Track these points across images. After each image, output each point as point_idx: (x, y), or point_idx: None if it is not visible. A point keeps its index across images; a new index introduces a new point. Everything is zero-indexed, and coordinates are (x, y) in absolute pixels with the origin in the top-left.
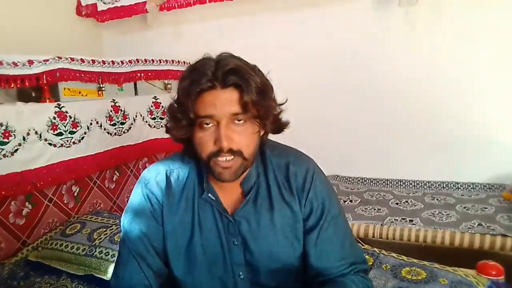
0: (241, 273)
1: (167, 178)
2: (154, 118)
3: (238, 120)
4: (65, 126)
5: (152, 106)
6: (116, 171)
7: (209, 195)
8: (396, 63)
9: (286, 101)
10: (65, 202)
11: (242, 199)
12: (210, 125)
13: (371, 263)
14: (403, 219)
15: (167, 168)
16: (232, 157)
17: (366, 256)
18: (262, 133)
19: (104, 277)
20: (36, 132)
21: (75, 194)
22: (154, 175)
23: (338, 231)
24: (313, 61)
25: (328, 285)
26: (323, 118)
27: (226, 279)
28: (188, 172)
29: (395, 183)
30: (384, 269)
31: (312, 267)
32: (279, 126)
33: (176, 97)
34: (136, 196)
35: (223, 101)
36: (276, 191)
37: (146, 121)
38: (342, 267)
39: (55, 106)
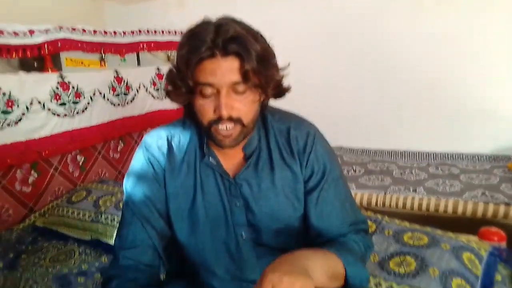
0: (243, 233)
1: (169, 142)
2: (157, 90)
3: (239, 89)
4: (68, 96)
5: (155, 77)
6: (120, 141)
7: (210, 159)
8: (402, 32)
9: (288, 65)
10: (71, 171)
11: (244, 163)
12: (210, 92)
13: (373, 229)
14: (407, 188)
15: (168, 133)
16: (232, 125)
17: (369, 222)
18: (262, 99)
19: (110, 242)
20: (39, 102)
21: (80, 164)
22: (156, 140)
23: (339, 193)
24: (318, 30)
25: (329, 244)
26: (327, 89)
27: (228, 240)
28: (189, 136)
29: (399, 154)
30: (386, 234)
31: (313, 227)
32: (281, 92)
33: (175, 63)
34: (138, 160)
35: (223, 70)
36: (277, 154)
37: (150, 92)
38: (342, 227)
39: (58, 76)
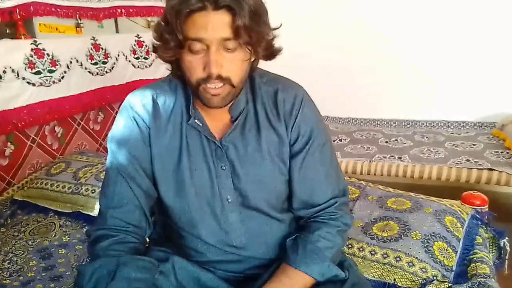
0: (229, 197)
1: (154, 101)
2: (137, 58)
3: (229, 46)
4: (43, 65)
5: (135, 45)
6: (100, 112)
7: (196, 121)
8: (389, 3)
9: (280, 26)
10: (49, 143)
11: (230, 126)
12: (199, 48)
13: (357, 195)
14: (392, 156)
15: (154, 92)
16: (221, 84)
17: (353, 188)
18: (252, 59)
19: (91, 214)
20: (12, 70)
21: (59, 136)
22: (140, 98)
23: (324, 159)
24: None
25: (301, 249)
26: (313, 59)
27: (214, 203)
28: (175, 97)
29: (385, 123)
30: (370, 200)
31: (296, 194)
32: (271, 53)
33: (163, 16)
34: (121, 120)
35: (214, 24)
36: (263, 117)
37: (130, 61)
38: (324, 196)
39: (31, 43)
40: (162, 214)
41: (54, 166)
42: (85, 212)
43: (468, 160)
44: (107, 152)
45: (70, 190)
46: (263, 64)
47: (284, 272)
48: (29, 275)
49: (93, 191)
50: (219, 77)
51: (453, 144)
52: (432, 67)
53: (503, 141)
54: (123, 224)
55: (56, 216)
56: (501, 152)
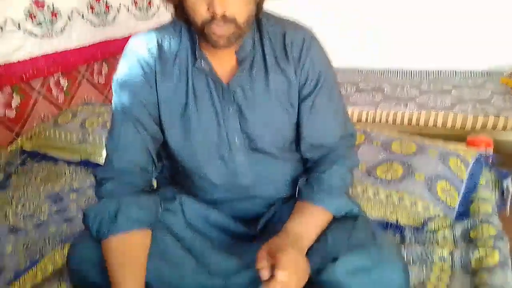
0: (236, 139)
1: (159, 45)
2: (140, 9)
3: None
4: (44, 16)
5: None
6: (104, 64)
7: (203, 64)
8: None
9: None
10: (55, 95)
11: (237, 68)
12: None
13: (362, 140)
14: (398, 104)
15: (158, 35)
16: (226, 25)
17: (358, 134)
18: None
19: (100, 161)
20: (13, 22)
21: (64, 88)
22: (145, 42)
23: (332, 101)
24: None
25: (315, 184)
26: (320, 6)
27: (221, 146)
28: (180, 40)
29: (392, 72)
30: (375, 145)
31: (305, 137)
32: None
33: None
34: (126, 63)
35: None
36: (271, 59)
37: (132, 13)
38: (333, 138)
39: None
40: (169, 158)
41: (61, 116)
42: (94, 161)
43: (474, 107)
44: None
45: (78, 139)
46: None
47: (303, 210)
48: (42, 218)
49: (101, 139)
50: (224, 18)
51: (460, 92)
52: (440, 16)
53: (511, 88)
54: (130, 167)
55: (65, 165)
56: (509, 99)
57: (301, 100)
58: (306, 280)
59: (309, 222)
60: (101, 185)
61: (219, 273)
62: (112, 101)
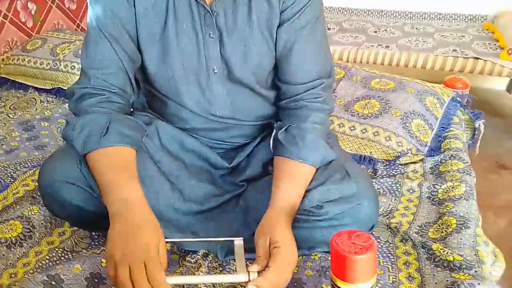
0: (215, 67)
1: None
2: None
3: None
4: None
5: None
6: None
7: None
8: None
9: None
10: (23, 20)
11: None
12: None
13: (342, 75)
14: (380, 45)
15: None
16: None
17: (338, 69)
18: None
19: None
20: None
21: (32, 13)
22: None
23: (314, 35)
24: None
25: (293, 139)
26: None
27: (199, 73)
28: None
29: (376, 13)
30: (354, 80)
31: (281, 71)
32: None
33: None
34: None
35: None
36: None
37: None
38: (309, 78)
39: None
40: (145, 82)
41: (30, 43)
42: (65, 88)
43: (455, 50)
44: (85, 31)
45: (49, 66)
46: None
47: (291, 171)
48: (13, 144)
49: (73, 67)
50: None
51: (442, 35)
52: None
53: (492, 33)
54: (108, 86)
55: (36, 92)
56: (489, 44)
57: (280, 24)
58: (295, 265)
59: (299, 185)
60: (81, 100)
61: (193, 198)
62: (87, 16)
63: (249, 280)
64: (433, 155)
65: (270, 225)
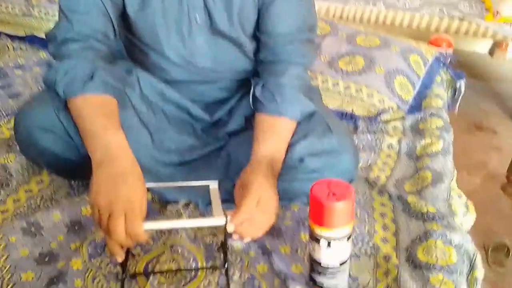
0: (197, 16)
1: None
2: None
3: None
4: None
5: None
6: None
7: None
8: None
9: None
10: None
11: None
12: None
13: (328, 31)
14: (367, 2)
15: None
16: None
17: (324, 25)
18: None
19: None
20: None
21: None
22: None
23: None
24: None
25: (272, 92)
26: None
27: (181, 21)
28: None
29: None
30: (340, 37)
31: (262, 21)
32: None
33: None
34: None
35: None
36: None
37: None
38: (288, 29)
39: None
40: (126, 30)
41: None
42: (40, 36)
43: (441, 10)
44: None
45: (22, 12)
46: None
47: (270, 126)
48: None
49: (47, 13)
50: None
51: None
52: None
53: None
54: (90, 31)
55: (8, 39)
56: (475, 5)
57: None
58: (275, 213)
59: (279, 140)
60: (64, 45)
61: (174, 149)
62: None
63: (226, 223)
64: (414, 113)
65: (247, 177)
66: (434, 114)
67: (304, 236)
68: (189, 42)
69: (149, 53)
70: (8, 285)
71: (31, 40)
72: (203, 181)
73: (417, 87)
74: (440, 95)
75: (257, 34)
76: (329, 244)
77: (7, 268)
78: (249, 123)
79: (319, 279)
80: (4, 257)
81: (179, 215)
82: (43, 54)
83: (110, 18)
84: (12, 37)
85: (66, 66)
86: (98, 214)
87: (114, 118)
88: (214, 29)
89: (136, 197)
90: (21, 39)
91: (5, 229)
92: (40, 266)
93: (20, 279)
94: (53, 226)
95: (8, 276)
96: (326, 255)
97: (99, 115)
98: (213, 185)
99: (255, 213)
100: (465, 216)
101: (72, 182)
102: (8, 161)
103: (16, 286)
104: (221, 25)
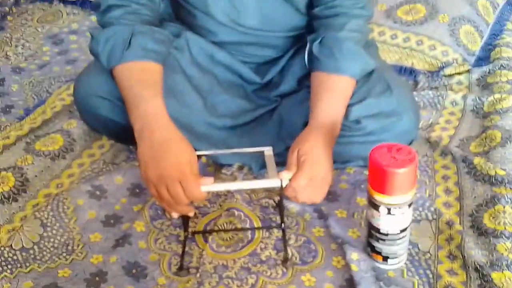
0: None
1: None
2: None
3: None
4: None
5: None
6: None
7: None
8: None
9: None
10: None
11: None
12: None
13: None
14: None
15: None
16: None
17: None
18: None
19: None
20: None
21: None
22: None
23: None
24: None
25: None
26: None
27: None
28: None
29: None
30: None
31: None
32: None
33: None
34: None
35: None
36: None
37: None
38: None
39: None
40: None
41: None
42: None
43: None
44: None
45: None
46: None
47: (330, 85)
48: (44, 59)
49: None
50: None
51: None
52: None
53: None
54: None
55: (61, 4)
56: None
57: None
58: (329, 184)
59: (339, 101)
60: (107, 12)
61: (226, 113)
62: None
63: (282, 185)
64: (481, 65)
65: (302, 140)
66: (504, 66)
67: (361, 200)
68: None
69: (196, 14)
70: (78, 245)
71: (83, 4)
72: (258, 148)
73: (485, 36)
74: (511, 44)
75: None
76: (389, 211)
77: (77, 229)
78: (302, 84)
79: (378, 245)
80: (73, 219)
81: (234, 178)
82: (95, 19)
83: None
84: (64, 2)
85: (106, 35)
86: (154, 189)
87: (153, 85)
88: None
89: (184, 161)
90: (73, 3)
91: (73, 192)
92: (106, 228)
93: (89, 240)
94: (116, 189)
95: (79, 237)
96: (386, 222)
97: (136, 83)
98: (268, 151)
99: (309, 185)
100: None
101: (131, 146)
102: (70, 127)
103: (86, 247)
104: None
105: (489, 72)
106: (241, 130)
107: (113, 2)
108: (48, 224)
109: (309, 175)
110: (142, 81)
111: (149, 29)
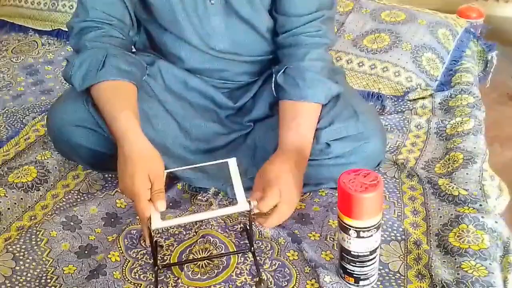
0: None
1: None
2: None
3: None
4: None
5: None
6: None
7: None
8: None
9: None
10: None
11: None
12: None
13: (351, 8)
14: None
15: None
16: None
17: (346, 1)
18: None
19: None
20: None
21: None
22: None
23: None
24: None
25: (296, 79)
26: None
27: (196, 3)
28: None
29: None
30: (364, 13)
31: (280, 3)
32: None
33: None
34: None
35: None
36: None
37: None
38: (308, 9)
39: None
40: (145, 12)
41: None
42: (66, 30)
43: None
44: None
45: (46, 6)
46: None
47: (295, 112)
48: (19, 89)
49: (71, 6)
50: None
51: None
52: None
53: None
54: (106, 17)
55: (36, 35)
56: None
57: None
58: (295, 206)
59: (306, 126)
60: (81, 35)
61: (200, 137)
62: None
63: (251, 208)
64: (443, 90)
65: (268, 165)
66: (464, 90)
67: (333, 222)
68: (205, 23)
69: (168, 41)
70: (52, 278)
71: (58, 34)
72: (222, 160)
73: (446, 62)
74: (470, 70)
75: (274, 14)
76: (358, 234)
77: (50, 262)
78: (274, 110)
79: (350, 267)
80: (47, 252)
81: (209, 204)
82: (70, 49)
83: (126, 4)
84: (40, 32)
85: (81, 58)
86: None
87: (128, 100)
88: (229, 9)
89: (137, 182)
90: (49, 33)
91: (46, 224)
92: (81, 259)
93: (63, 272)
94: (91, 219)
95: (52, 270)
96: (356, 245)
97: (109, 101)
98: (232, 161)
99: (274, 211)
100: (498, 199)
101: (107, 175)
102: (44, 158)
103: (60, 280)
104: (236, 5)
105: (450, 96)
106: (215, 154)
107: (86, 24)
108: (21, 257)
109: (275, 201)
110: (115, 98)
111: (122, 52)
